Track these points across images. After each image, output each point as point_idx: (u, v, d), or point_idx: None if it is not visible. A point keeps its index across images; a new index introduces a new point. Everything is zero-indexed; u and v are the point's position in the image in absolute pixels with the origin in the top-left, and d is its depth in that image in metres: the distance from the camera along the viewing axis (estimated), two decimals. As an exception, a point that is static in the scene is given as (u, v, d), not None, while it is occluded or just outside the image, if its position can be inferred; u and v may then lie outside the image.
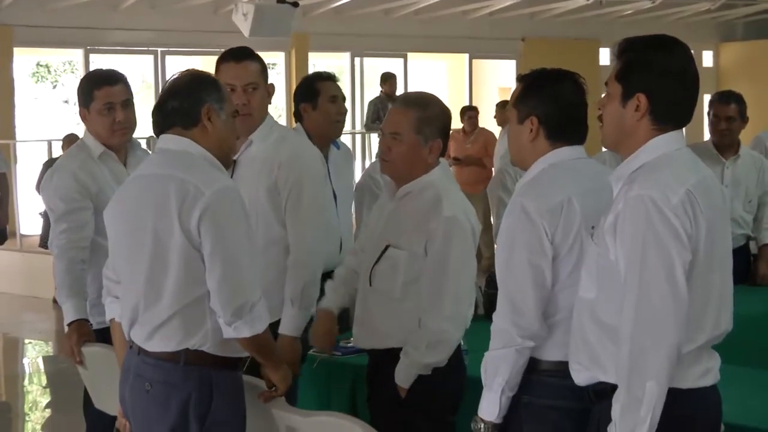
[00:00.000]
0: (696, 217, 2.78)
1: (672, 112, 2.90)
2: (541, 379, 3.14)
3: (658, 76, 2.87)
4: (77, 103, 4.62)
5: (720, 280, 2.88)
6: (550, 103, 3.26)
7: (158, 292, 3.33)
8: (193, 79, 3.43)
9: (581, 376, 2.98)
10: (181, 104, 3.38)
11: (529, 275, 3.12)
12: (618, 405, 2.76)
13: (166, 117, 3.41)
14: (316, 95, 5.17)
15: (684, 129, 2.97)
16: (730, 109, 6.26)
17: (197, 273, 3.29)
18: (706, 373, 2.88)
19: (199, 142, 3.38)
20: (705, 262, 2.81)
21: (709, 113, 6.33)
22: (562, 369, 3.08)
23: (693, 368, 2.83)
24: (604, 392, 2.90)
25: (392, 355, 3.79)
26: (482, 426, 3.22)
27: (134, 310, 3.41)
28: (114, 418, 4.51)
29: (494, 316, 3.21)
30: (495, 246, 3.51)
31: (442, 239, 3.74)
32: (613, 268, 2.83)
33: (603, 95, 3.03)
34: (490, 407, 3.19)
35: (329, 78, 5.32)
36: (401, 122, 3.85)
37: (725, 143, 6.29)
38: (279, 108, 17.37)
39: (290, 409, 3.59)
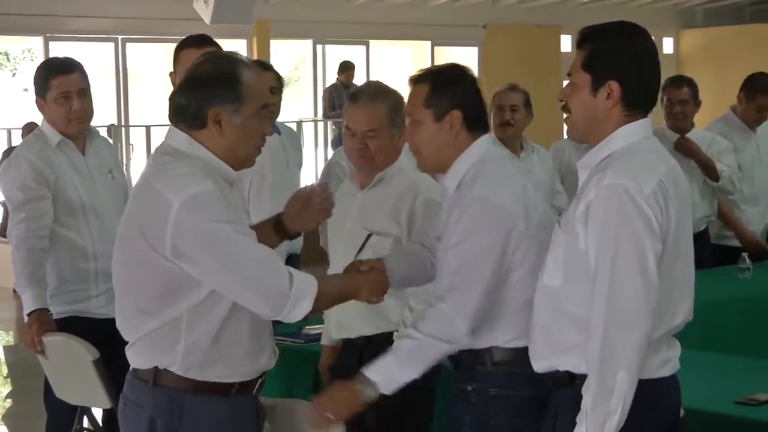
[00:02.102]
0: (667, 207, 2.77)
1: (642, 96, 2.89)
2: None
3: (628, 62, 2.86)
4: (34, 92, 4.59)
5: (683, 270, 2.88)
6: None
7: (131, 310, 3.03)
8: (206, 75, 3.00)
9: (539, 363, 2.99)
10: (189, 103, 2.99)
11: None
12: (589, 395, 2.75)
13: (174, 112, 3.03)
14: None
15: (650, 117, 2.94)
16: (683, 92, 6.36)
17: (174, 293, 2.93)
18: (665, 363, 2.87)
19: (205, 145, 2.99)
20: (672, 252, 2.80)
21: (662, 98, 6.39)
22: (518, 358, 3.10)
23: (652, 359, 2.82)
24: (561, 380, 2.91)
25: (379, 341, 3.75)
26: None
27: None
28: (75, 408, 4.50)
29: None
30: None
31: (423, 222, 3.74)
32: (582, 257, 2.82)
33: (565, 85, 3.01)
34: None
35: (260, 67, 5.29)
36: (374, 119, 3.84)
37: (680, 127, 6.38)
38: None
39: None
